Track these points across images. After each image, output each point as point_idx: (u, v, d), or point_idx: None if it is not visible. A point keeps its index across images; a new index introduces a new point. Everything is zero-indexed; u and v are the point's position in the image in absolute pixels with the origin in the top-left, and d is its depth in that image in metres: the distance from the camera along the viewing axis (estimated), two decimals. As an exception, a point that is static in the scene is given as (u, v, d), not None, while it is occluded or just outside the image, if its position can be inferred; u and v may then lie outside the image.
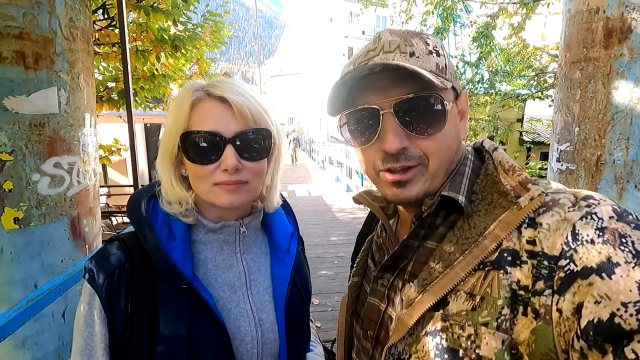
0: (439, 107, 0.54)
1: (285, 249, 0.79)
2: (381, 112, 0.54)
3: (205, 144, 0.65)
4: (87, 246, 1.87)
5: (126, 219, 5.33)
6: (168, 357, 0.62)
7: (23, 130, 1.56)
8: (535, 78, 6.52)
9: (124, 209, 5.51)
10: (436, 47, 0.57)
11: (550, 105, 6.25)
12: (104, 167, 6.09)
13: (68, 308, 1.77)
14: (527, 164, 7.81)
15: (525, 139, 9.51)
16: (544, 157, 8.97)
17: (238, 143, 0.65)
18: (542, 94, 6.52)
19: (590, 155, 1.67)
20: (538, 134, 9.82)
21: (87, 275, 0.65)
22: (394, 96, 0.54)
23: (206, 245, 0.73)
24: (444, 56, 0.57)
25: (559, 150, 1.84)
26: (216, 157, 0.65)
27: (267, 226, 0.81)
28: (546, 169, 1.93)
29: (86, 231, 1.86)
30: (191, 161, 0.66)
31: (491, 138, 7.16)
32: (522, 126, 9.70)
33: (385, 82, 0.54)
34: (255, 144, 0.67)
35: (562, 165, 1.83)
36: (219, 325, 0.65)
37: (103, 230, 4.16)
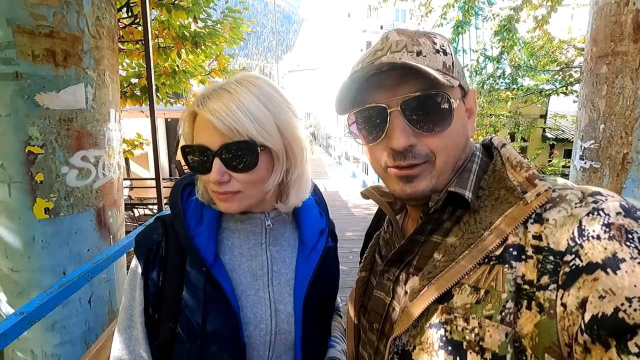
0: (446, 105, 0.55)
1: (311, 246, 0.80)
2: (389, 111, 0.55)
3: (198, 157, 0.68)
4: (111, 236, 1.95)
5: (147, 211, 5.50)
6: (187, 330, 0.69)
7: (53, 124, 1.64)
8: (560, 73, 6.29)
9: (146, 201, 5.70)
10: (443, 45, 0.58)
11: (575, 101, 6.02)
12: (126, 160, 6.29)
13: (94, 295, 1.86)
14: (549, 161, 7.56)
15: (549, 135, 9.21)
16: (568, 154, 8.65)
17: (224, 155, 0.66)
18: (566, 89, 6.28)
19: (616, 153, 1.61)
20: (562, 131, 9.49)
21: (134, 247, 0.74)
22: (401, 94, 0.55)
23: (234, 233, 0.77)
24: (451, 54, 0.58)
25: (582, 148, 1.79)
26: (208, 168, 0.68)
27: (298, 221, 0.83)
28: (570, 166, 1.88)
29: (111, 222, 1.94)
30: (192, 171, 0.72)
31: (512, 134, 6.97)
32: (545, 122, 9.39)
33: (393, 81, 0.55)
34: (240, 155, 0.67)
35: (585, 163, 1.78)
36: (231, 308, 0.69)
37: (125, 222, 4.31)
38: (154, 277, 0.71)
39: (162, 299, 0.70)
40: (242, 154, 0.66)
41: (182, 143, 0.73)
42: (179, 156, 7.30)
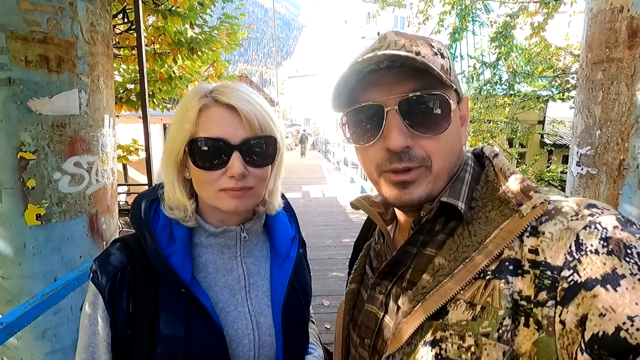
0: (445, 106, 0.53)
1: (285, 254, 0.79)
2: (385, 110, 0.53)
3: (212, 151, 0.64)
4: (104, 243, 1.93)
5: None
6: (166, 357, 0.63)
7: (46, 130, 1.62)
8: (557, 79, 6.32)
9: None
10: (440, 49, 0.56)
11: (572, 107, 6.03)
12: (124, 166, 6.27)
13: (86, 302, 1.83)
14: (548, 167, 7.57)
15: (547, 141, 9.23)
16: (567, 160, 8.62)
17: (244, 150, 0.65)
18: (563, 95, 6.31)
19: (612, 159, 1.61)
20: (560, 137, 9.51)
21: (91, 276, 0.66)
22: (399, 93, 0.53)
23: (207, 248, 0.73)
24: (448, 58, 0.57)
25: (579, 154, 1.79)
26: (223, 163, 0.65)
27: (269, 230, 0.81)
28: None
29: (104, 228, 1.92)
30: (198, 167, 0.66)
31: (510, 140, 6.98)
32: (543, 128, 9.42)
33: (391, 79, 0.53)
34: (261, 150, 0.67)
35: (582, 169, 1.77)
36: (215, 327, 0.66)
37: (122, 228, 4.28)
38: (122, 307, 0.64)
39: (133, 329, 0.63)
40: (263, 149, 0.67)
41: (179, 137, 0.67)
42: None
